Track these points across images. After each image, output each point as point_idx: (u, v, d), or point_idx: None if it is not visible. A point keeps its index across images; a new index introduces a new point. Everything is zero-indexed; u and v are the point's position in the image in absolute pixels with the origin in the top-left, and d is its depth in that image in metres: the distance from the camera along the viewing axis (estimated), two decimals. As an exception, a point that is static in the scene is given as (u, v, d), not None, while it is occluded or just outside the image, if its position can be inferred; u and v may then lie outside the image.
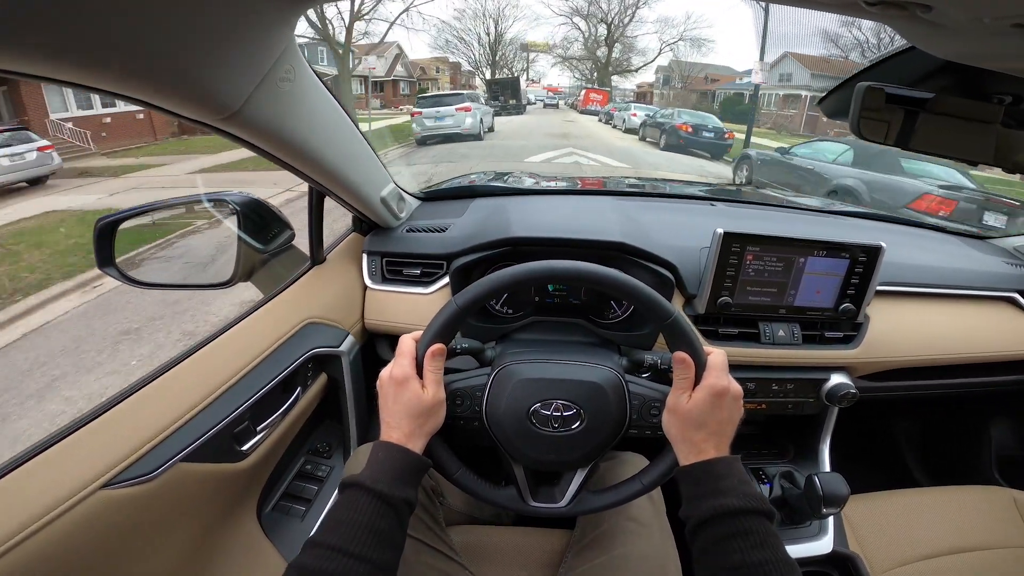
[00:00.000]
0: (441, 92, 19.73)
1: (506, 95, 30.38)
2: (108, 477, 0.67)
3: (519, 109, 29.77)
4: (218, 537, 0.89)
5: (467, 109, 13.64)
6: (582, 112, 34.43)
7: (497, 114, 27.96)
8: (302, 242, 1.22)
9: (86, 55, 0.44)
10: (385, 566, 0.61)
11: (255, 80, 0.61)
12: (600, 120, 26.17)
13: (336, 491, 1.11)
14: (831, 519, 1.19)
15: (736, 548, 0.59)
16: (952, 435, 1.73)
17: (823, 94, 0.80)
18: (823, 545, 1.16)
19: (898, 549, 1.13)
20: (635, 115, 18.74)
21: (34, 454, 0.65)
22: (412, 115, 14.44)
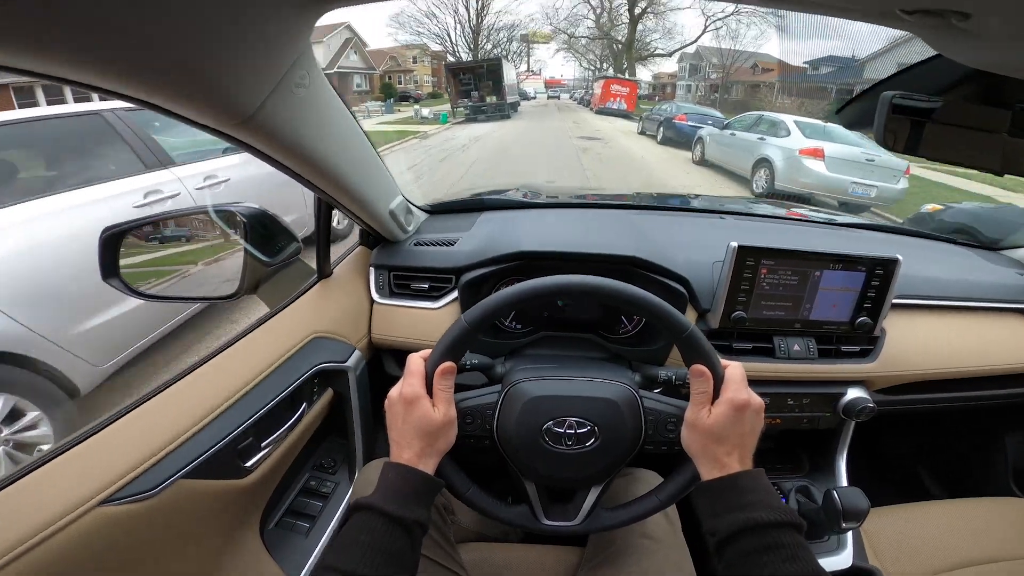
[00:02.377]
0: None
1: (483, 88, 20.08)
2: (107, 494, 0.65)
3: (503, 111, 19.84)
4: (220, 554, 0.87)
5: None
6: (599, 112, 24.50)
7: (471, 119, 18.91)
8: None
9: (99, 55, 0.44)
10: None
11: (271, 85, 0.60)
12: (643, 132, 15.02)
13: (341, 511, 1.10)
14: (850, 533, 1.17)
15: (767, 562, 0.57)
16: (967, 447, 1.71)
17: (842, 104, 0.79)
18: (843, 560, 1.14)
19: (917, 562, 1.12)
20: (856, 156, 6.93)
21: (32, 469, 0.63)
22: None
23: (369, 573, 0.57)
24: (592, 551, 0.92)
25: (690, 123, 11.96)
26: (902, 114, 0.66)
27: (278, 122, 0.67)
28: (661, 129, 13.37)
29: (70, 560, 0.61)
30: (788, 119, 8.45)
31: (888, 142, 0.68)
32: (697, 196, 2.14)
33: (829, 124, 8.00)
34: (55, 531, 0.59)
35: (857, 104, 0.76)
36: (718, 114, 12.98)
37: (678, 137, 12.30)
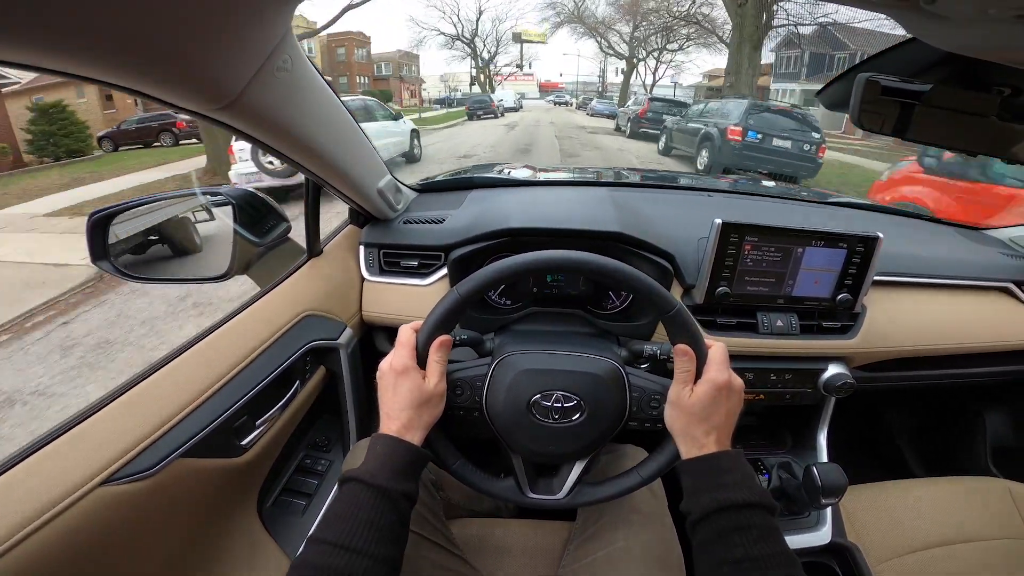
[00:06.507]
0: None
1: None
2: (107, 474, 0.66)
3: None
4: (219, 533, 0.88)
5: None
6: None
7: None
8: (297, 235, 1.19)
9: (81, 43, 0.43)
10: (388, 560, 0.60)
11: (252, 69, 0.61)
12: None
13: (336, 488, 1.12)
14: (829, 510, 1.20)
15: (739, 542, 0.59)
16: (947, 426, 1.74)
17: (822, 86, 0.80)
18: (822, 536, 1.17)
19: (895, 540, 1.14)
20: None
21: (33, 451, 0.64)
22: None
23: (358, 546, 0.57)
24: (581, 526, 0.94)
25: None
26: (891, 96, 0.67)
27: (262, 105, 0.67)
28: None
29: (73, 541, 0.61)
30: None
31: (875, 124, 0.69)
32: (683, 175, 2.15)
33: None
34: (58, 513, 0.60)
35: (835, 87, 0.77)
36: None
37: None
